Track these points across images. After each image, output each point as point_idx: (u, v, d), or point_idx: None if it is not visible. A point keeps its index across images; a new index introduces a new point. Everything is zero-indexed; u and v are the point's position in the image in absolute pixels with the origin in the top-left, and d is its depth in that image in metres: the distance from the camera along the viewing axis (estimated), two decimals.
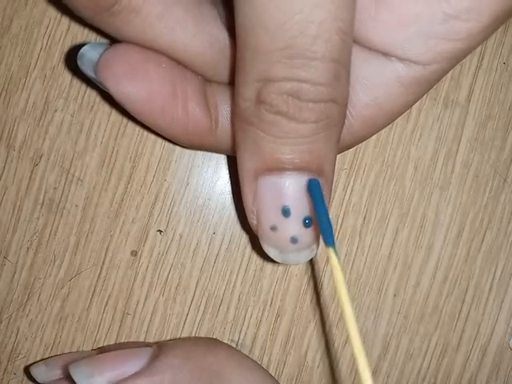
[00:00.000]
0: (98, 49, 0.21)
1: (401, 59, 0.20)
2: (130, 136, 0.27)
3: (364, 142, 0.27)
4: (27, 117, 0.27)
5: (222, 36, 0.22)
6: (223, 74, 0.23)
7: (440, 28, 0.19)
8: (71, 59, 0.27)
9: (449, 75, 0.28)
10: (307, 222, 0.21)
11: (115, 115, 0.27)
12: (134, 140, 0.27)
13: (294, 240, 0.21)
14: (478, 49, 0.28)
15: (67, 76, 0.27)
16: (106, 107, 0.27)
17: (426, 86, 0.21)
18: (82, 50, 0.22)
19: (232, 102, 0.22)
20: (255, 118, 0.19)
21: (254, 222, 0.22)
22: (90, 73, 0.22)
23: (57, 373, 0.25)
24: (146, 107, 0.21)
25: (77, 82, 0.27)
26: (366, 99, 0.21)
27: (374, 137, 0.28)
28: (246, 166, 0.21)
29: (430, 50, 0.20)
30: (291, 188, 0.20)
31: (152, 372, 0.23)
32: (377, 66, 0.21)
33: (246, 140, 0.20)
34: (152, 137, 0.27)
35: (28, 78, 0.27)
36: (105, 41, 0.23)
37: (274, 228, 0.21)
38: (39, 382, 0.25)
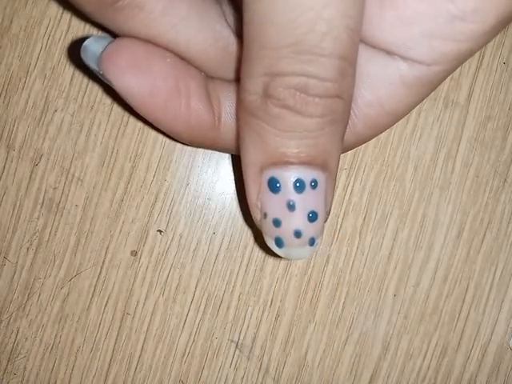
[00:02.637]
0: (101, 42, 0.21)
1: (404, 59, 0.21)
2: (130, 136, 0.27)
3: None
4: (27, 117, 0.27)
5: (226, 32, 0.22)
6: (226, 70, 0.23)
7: (444, 28, 0.19)
8: (71, 59, 0.27)
9: None
10: (311, 216, 0.21)
11: (115, 115, 0.27)
12: (134, 140, 0.27)
13: (297, 234, 0.21)
14: None
15: (67, 76, 0.27)
16: (106, 107, 0.27)
17: (428, 87, 0.21)
18: (86, 42, 0.22)
19: (237, 96, 0.22)
20: (261, 111, 0.19)
21: (258, 216, 0.22)
22: (92, 65, 0.22)
23: None
24: (149, 102, 0.21)
25: (77, 82, 0.27)
26: (369, 98, 0.21)
27: None
28: (251, 159, 0.21)
29: (433, 50, 0.20)
30: (297, 182, 0.20)
31: None
32: (380, 64, 0.21)
33: (252, 133, 0.20)
34: (152, 137, 0.27)
35: (28, 77, 0.27)
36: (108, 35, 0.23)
37: (277, 222, 0.21)
38: None
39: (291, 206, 0.21)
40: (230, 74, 0.23)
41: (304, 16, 0.17)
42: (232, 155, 0.28)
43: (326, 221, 0.22)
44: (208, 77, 0.23)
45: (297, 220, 0.21)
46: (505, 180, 0.28)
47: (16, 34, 0.27)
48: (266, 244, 0.22)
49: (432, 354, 0.28)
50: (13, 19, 0.27)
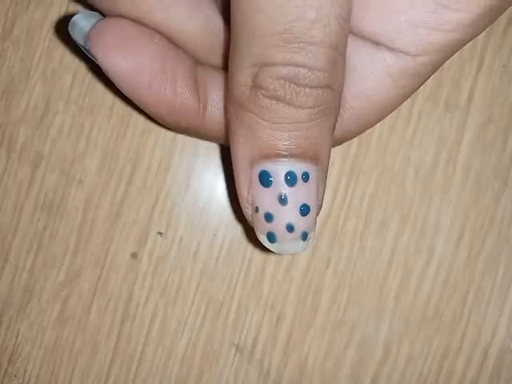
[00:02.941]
0: (90, 19, 0.21)
1: (390, 49, 0.20)
2: (130, 138, 0.27)
3: (365, 145, 0.27)
4: (28, 119, 0.27)
5: (217, 19, 0.22)
6: (216, 57, 0.23)
7: (430, 17, 0.19)
8: (72, 61, 0.27)
9: (449, 78, 0.28)
10: (303, 210, 0.21)
11: (116, 117, 0.27)
12: (134, 142, 0.27)
13: (290, 228, 0.21)
14: (478, 52, 0.28)
15: (68, 78, 0.27)
16: (106, 109, 0.27)
17: (416, 80, 0.21)
18: (74, 18, 0.22)
19: (225, 87, 0.22)
20: (251, 103, 0.19)
21: (249, 211, 0.22)
22: (80, 41, 0.22)
23: None
24: (133, 81, 0.21)
25: (78, 85, 0.27)
26: (355, 90, 0.21)
27: (374, 140, 0.28)
28: (241, 153, 0.20)
29: (419, 40, 0.20)
30: (288, 175, 0.20)
31: None
32: (366, 55, 0.21)
33: (241, 126, 0.20)
34: (152, 139, 0.27)
35: (29, 80, 0.27)
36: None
37: (269, 217, 0.21)
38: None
39: (283, 200, 0.20)
40: (220, 60, 0.23)
41: (292, 2, 0.17)
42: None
43: (317, 214, 0.22)
44: (197, 63, 0.23)
45: (289, 214, 0.21)
46: (505, 183, 0.28)
47: (18, 36, 0.27)
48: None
49: (433, 357, 0.28)
50: (15, 22, 0.27)
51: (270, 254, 0.27)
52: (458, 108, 0.28)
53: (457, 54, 0.27)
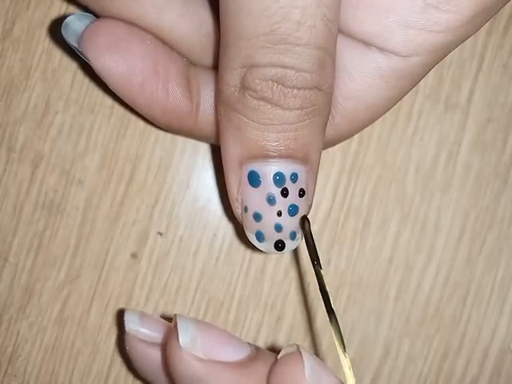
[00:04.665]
0: (83, 20, 0.22)
1: (381, 49, 0.20)
2: (130, 138, 0.27)
3: (365, 144, 0.27)
4: (28, 119, 0.27)
5: (209, 19, 0.22)
6: (209, 57, 0.23)
7: (419, 17, 0.19)
8: (72, 61, 0.27)
9: (449, 78, 0.28)
10: (291, 210, 0.21)
11: (116, 117, 0.27)
12: (134, 142, 0.27)
13: (278, 228, 0.21)
14: (479, 51, 0.28)
15: (68, 78, 0.27)
16: (106, 109, 0.27)
17: (407, 80, 0.21)
18: (68, 19, 0.22)
19: (216, 87, 0.22)
20: (239, 104, 0.19)
21: (239, 210, 0.22)
22: (73, 43, 0.22)
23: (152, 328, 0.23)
24: (126, 82, 0.21)
25: (78, 84, 0.27)
26: (346, 90, 0.21)
27: (374, 139, 0.28)
28: (231, 153, 0.21)
29: (409, 40, 0.20)
30: (276, 176, 0.20)
31: (249, 372, 0.20)
32: (357, 55, 0.21)
33: (230, 126, 0.20)
34: (152, 138, 0.27)
35: (29, 80, 0.27)
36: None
37: (258, 216, 0.21)
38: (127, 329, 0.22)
39: (271, 200, 0.21)
40: (213, 61, 0.23)
41: (277, 3, 0.17)
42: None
43: (307, 214, 0.22)
44: (190, 64, 0.23)
45: (277, 214, 0.21)
46: (505, 182, 0.28)
47: (18, 36, 0.27)
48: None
49: (433, 356, 0.28)
50: (15, 22, 0.27)
51: (269, 253, 0.27)
52: (458, 107, 0.28)
53: (457, 53, 0.27)
